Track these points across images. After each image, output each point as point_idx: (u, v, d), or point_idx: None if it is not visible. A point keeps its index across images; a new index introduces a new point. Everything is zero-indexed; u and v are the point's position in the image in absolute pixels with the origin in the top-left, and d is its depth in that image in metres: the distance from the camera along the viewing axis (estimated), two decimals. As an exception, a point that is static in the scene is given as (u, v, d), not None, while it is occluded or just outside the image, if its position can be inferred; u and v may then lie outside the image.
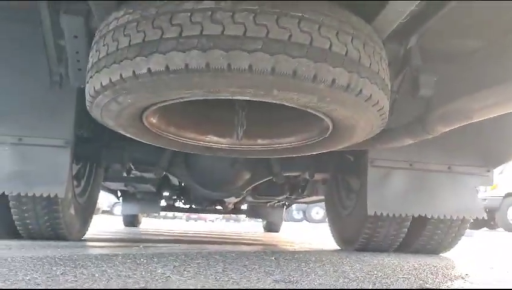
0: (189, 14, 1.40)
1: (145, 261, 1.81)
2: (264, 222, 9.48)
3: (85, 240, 3.16)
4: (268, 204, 6.95)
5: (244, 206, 7.62)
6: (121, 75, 1.48)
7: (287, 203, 6.96)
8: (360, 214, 3.03)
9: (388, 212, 2.61)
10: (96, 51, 1.61)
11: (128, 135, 2.06)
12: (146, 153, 3.19)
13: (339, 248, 3.52)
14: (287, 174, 3.34)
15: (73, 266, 1.59)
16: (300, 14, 1.42)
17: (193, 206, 7.23)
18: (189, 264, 1.75)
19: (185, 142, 2.18)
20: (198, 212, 9.79)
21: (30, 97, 2.41)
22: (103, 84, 1.55)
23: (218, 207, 7.17)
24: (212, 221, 20.04)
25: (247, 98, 1.57)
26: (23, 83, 2.41)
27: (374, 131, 1.82)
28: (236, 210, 7.68)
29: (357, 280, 1.55)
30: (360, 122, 1.72)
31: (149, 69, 1.42)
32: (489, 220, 11.83)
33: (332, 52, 1.44)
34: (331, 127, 1.83)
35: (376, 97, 1.58)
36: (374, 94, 1.57)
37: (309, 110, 1.69)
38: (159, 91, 1.52)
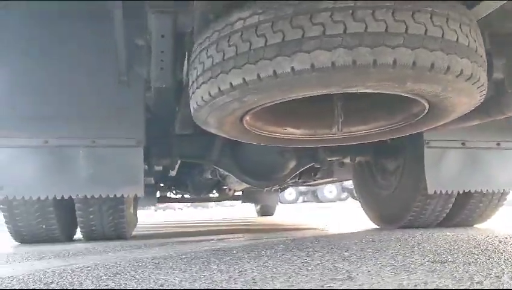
0: (329, 13, 1.46)
1: (254, 254, 1.87)
2: (258, 206, 9.59)
3: (136, 238, 3.17)
4: (265, 189, 7.06)
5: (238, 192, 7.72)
6: (258, 75, 1.52)
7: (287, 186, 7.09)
8: (406, 193, 3.19)
9: (447, 189, 2.76)
10: (218, 52, 1.64)
11: (227, 136, 2.11)
12: (194, 147, 3.22)
13: (376, 226, 3.67)
14: (330, 159, 3.44)
15: (206, 263, 1.63)
16: (431, 9, 1.50)
17: (185, 195, 7.25)
18: (290, 257, 1.82)
19: (288, 138, 2.25)
20: (193, 202, 9.83)
21: (100, 98, 2.40)
22: (233, 84, 1.59)
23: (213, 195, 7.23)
24: (181, 209, 20.00)
25: (369, 91, 1.65)
26: (92, 84, 2.39)
27: (471, 108, 1.93)
28: (232, 196, 7.75)
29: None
30: (462, 101, 1.82)
31: (292, 68, 1.47)
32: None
33: (459, 44, 1.54)
34: (427, 108, 1.92)
35: (482, 79, 1.69)
36: (481, 77, 1.68)
37: (411, 96, 1.78)
38: (293, 89, 1.57)
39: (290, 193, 19.52)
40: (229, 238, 2.74)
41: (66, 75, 2.36)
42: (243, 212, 11.16)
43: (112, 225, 2.78)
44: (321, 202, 19.77)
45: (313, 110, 2.33)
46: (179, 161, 3.36)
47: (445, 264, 1.39)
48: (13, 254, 2.17)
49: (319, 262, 1.51)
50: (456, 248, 1.85)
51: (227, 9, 1.65)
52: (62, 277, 1.38)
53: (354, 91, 1.63)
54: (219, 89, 1.64)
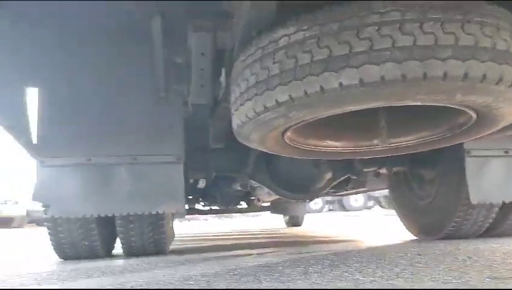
0: (376, 27, 1.45)
1: (301, 270, 1.85)
2: (287, 217, 9.55)
3: (174, 252, 3.18)
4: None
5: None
6: (305, 91, 1.52)
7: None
8: (445, 203, 3.13)
9: (491, 200, 2.69)
10: (262, 69, 1.65)
11: (267, 150, 2.12)
12: (229, 161, 3.24)
13: (414, 238, 3.60)
14: (366, 170, 3.40)
15: (257, 281, 1.62)
16: (481, 19, 1.48)
17: (213, 207, 7.28)
18: (340, 273, 1.79)
19: (329, 151, 2.24)
20: (222, 213, 9.86)
21: (140, 116, 2.44)
22: (279, 101, 1.59)
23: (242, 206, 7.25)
24: (206, 219, 20.07)
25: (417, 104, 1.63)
26: (132, 102, 2.43)
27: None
28: (260, 207, 7.73)
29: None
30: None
31: (340, 84, 1.46)
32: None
33: (510, 53, 1.50)
34: (474, 118, 1.88)
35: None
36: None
37: (458, 107, 1.75)
38: (340, 104, 1.57)
39: (315, 202, 19.44)
40: (269, 253, 2.72)
41: (108, 94, 2.41)
42: (268, 222, 11.12)
43: (152, 241, 2.80)
44: (347, 210, 19.59)
45: (354, 122, 2.31)
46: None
47: (506, 281, 1.35)
48: (60, 272, 2.20)
49: (372, 279, 1.49)
50: (509, 261, 1.79)
51: (270, 26, 1.67)
52: (118, 297, 1.39)
53: (401, 104, 1.61)
54: (264, 106, 1.65)
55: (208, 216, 21.42)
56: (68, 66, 2.38)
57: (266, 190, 4.22)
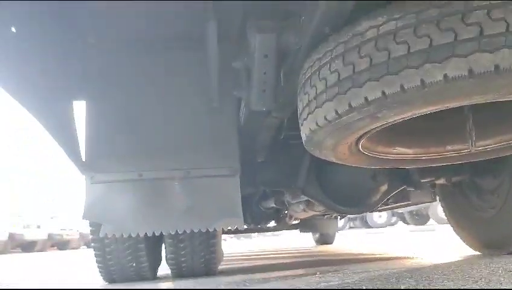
0: (486, 11, 1.28)
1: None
2: (317, 235, 9.29)
3: (224, 273, 3.00)
4: (325, 216, 6.80)
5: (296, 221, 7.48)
6: (401, 86, 1.35)
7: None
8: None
9: None
10: (346, 66, 1.49)
11: (333, 159, 1.95)
12: (278, 174, 3.06)
13: (475, 253, 3.35)
14: (424, 181, 3.19)
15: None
16: None
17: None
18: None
19: (399, 159, 2.06)
20: (252, 232, 9.64)
21: (193, 127, 2.29)
22: (369, 98, 1.42)
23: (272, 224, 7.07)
24: (225, 239, 19.82)
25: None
26: (184, 113, 2.29)
27: None
28: (290, 225, 7.52)
29: None
30: None
31: (445, 76, 1.29)
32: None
33: None
34: None
35: None
36: None
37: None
38: (442, 100, 1.39)
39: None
40: (330, 271, 2.52)
41: (159, 106, 2.28)
42: (291, 241, 10.83)
43: (202, 261, 2.63)
44: (370, 227, 19.15)
45: (427, 126, 2.13)
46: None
47: None
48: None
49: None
50: None
51: (350, 20, 1.51)
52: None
53: (510, 99, 1.43)
54: (350, 105, 1.48)
55: (227, 236, 21.30)
56: (117, 77, 2.26)
57: (302, 207, 4.03)
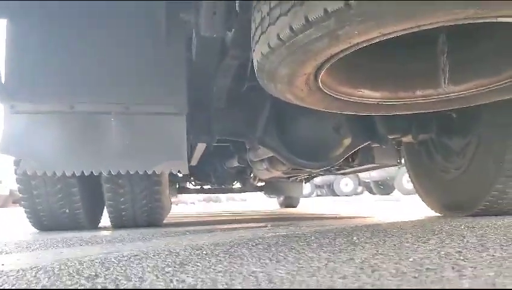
0: None
1: (327, 241, 1.46)
2: (281, 198, 9.24)
3: (171, 225, 2.77)
4: (290, 179, 6.69)
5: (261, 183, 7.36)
6: (368, -7, 1.10)
7: (314, 175, 6.71)
8: (482, 175, 2.75)
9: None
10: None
11: (291, 98, 1.72)
12: (235, 123, 2.81)
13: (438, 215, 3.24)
14: (391, 137, 3.00)
15: (295, 250, 1.23)
16: None
17: (205, 187, 6.98)
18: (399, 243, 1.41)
19: (363, 102, 1.84)
20: (215, 193, 9.47)
21: (135, 58, 2.00)
22: (329, 10, 1.17)
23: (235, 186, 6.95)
24: (193, 203, 19.69)
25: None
26: (126, 41, 1.99)
27: None
28: (255, 187, 7.40)
29: None
30: None
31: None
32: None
33: None
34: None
35: None
36: None
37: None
38: (412, 14, 1.15)
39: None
40: (284, 225, 2.33)
41: (97, 29, 1.97)
42: (259, 205, 10.74)
43: (145, 210, 2.39)
44: (337, 195, 19.39)
45: (395, 68, 1.91)
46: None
47: None
48: (34, 241, 1.78)
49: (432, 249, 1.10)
50: None
51: None
52: (107, 268, 0.99)
53: (493, 19, 1.20)
54: (306, 19, 1.23)
55: (196, 200, 21.24)
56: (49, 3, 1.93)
57: (265, 165, 3.83)
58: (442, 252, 1.07)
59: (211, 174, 5.81)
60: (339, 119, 2.74)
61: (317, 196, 20.66)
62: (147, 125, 1.99)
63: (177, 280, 0.81)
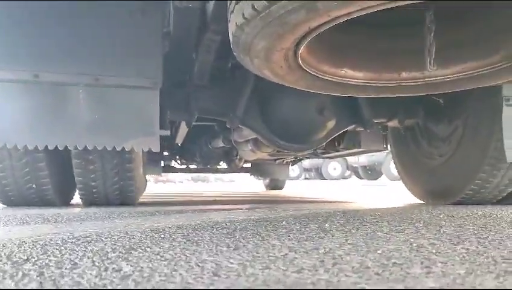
0: None
1: (315, 227, 1.38)
2: (267, 180, 9.18)
3: (145, 205, 2.69)
4: (277, 161, 6.63)
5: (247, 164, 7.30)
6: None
7: (300, 158, 6.66)
8: (466, 163, 2.70)
9: (529, 157, 2.26)
10: None
11: (270, 75, 1.62)
12: (216, 101, 2.70)
13: (421, 202, 3.19)
14: (376, 121, 2.92)
15: (259, 237, 1.15)
16: None
17: (191, 166, 6.91)
18: (373, 232, 1.34)
19: (346, 83, 1.75)
20: (200, 172, 9.39)
21: (107, 26, 1.88)
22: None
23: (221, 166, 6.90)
24: (181, 182, 19.63)
25: None
26: (97, 8, 1.86)
27: None
28: (241, 168, 7.33)
29: None
30: None
31: None
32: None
33: None
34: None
35: None
36: None
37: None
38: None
39: (292, 169, 19.25)
40: (261, 208, 2.25)
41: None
42: (246, 186, 10.70)
43: (117, 188, 2.29)
44: (325, 179, 19.45)
45: (381, 47, 1.82)
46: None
47: None
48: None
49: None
50: None
51: None
52: (45, 251, 0.90)
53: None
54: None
55: (184, 179, 21.20)
56: None
57: (250, 146, 3.75)
58: (415, 244, 1.00)
59: (196, 154, 5.72)
60: (322, 100, 2.64)
61: (305, 179, 20.70)
62: (117, 99, 1.88)
63: (113, 268, 0.72)
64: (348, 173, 20.18)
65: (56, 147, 1.79)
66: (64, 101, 1.83)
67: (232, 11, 1.37)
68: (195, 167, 6.76)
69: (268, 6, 1.20)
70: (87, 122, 1.84)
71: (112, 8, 1.89)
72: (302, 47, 1.47)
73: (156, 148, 1.91)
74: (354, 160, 17.75)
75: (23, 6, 1.80)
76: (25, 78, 1.78)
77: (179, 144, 4.67)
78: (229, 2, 1.41)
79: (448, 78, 1.79)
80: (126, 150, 1.85)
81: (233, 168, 6.92)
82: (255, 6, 1.23)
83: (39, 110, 1.82)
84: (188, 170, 7.63)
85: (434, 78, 1.81)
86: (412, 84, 1.84)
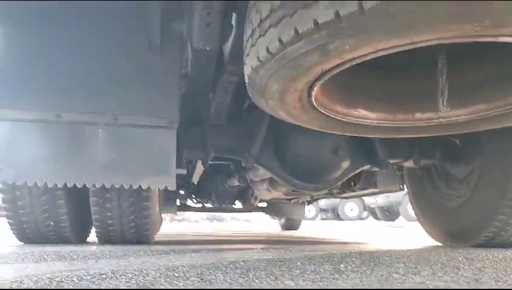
0: None
1: (330, 268, 1.37)
2: (283, 220, 9.09)
3: (160, 243, 2.68)
4: (292, 201, 6.58)
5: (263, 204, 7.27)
6: (360, 6, 1.04)
7: (316, 198, 6.61)
8: (484, 204, 2.65)
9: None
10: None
11: (284, 115, 1.65)
12: (231, 140, 2.73)
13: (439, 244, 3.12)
14: (392, 161, 2.91)
15: (273, 277, 1.14)
16: None
17: (206, 205, 6.91)
18: (385, 274, 1.32)
19: (360, 123, 1.77)
20: (216, 211, 9.35)
21: (126, 66, 1.95)
22: (319, 22, 1.11)
23: (237, 205, 6.89)
24: (197, 221, 19.52)
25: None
26: (117, 48, 1.94)
27: None
28: (256, 207, 7.29)
29: None
30: None
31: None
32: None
33: None
34: None
35: None
36: None
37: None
38: (406, 28, 1.08)
39: (309, 209, 19.06)
40: (275, 248, 2.23)
41: (87, 37, 1.92)
42: (261, 226, 10.59)
43: (133, 226, 2.31)
44: (341, 220, 19.16)
45: (394, 88, 1.84)
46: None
47: None
48: (8, 255, 1.71)
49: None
50: None
51: None
52: (61, 288, 0.91)
53: (494, 39, 1.13)
54: (296, 31, 1.17)
55: (200, 218, 21.12)
56: (38, 3, 1.89)
57: (265, 186, 3.75)
58: (431, 287, 0.98)
59: (212, 193, 5.73)
60: (337, 140, 2.66)
61: (322, 219, 20.42)
62: (135, 138, 1.93)
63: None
64: (365, 213, 19.88)
65: (75, 184, 1.83)
66: (83, 139, 1.88)
67: (248, 54, 1.42)
68: (210, 206, 6.76)
69: (283, 49, 1.24)
70: (105, 161, 1.88)
71: (131, 49, 1.96)
72: (316, 88, 1.50)
73: (172, 187, 1.93)
74: (371, 201, 17.49)
75: (48, 46, 1.89)
76: (47, 118, 1.84)
77: (195, 183, 4.70)
78: (244, 44, 1.46)
79: (463, 119, 1.80)
80: (143, 188, 1.88)
81: (248, 208, 6.89)
82: (270, 49, 1.27)
83: (59, 148, 1.87)
84: (203, 209, 7.61)
85: (448, 119, 1.81)
86: (427, 125, 1.85)
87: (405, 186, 3.71)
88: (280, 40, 1.22)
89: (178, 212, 9.58)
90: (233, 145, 2.75)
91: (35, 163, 1.82)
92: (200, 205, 6.91)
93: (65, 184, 1.82)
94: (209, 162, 2.79)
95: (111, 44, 1.92)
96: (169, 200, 6.49)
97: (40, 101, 1.85)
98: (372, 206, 18.06)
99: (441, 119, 1.82)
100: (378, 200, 16.58)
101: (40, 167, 1.83)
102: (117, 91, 1.92)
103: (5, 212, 2.22)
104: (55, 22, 1.90)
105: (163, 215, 4.09)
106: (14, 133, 1.82)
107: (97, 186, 1.84)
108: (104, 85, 1.91)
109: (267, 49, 1.27)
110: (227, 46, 1.88)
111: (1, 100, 1.81)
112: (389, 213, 17.45)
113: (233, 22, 1.76)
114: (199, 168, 3.20)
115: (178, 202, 6.65)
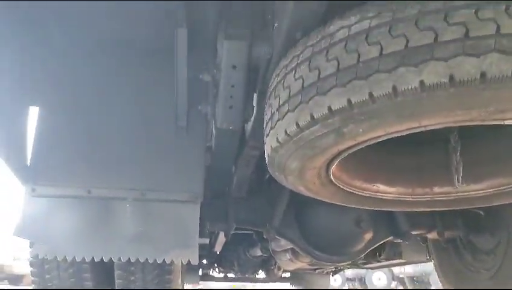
0: (473, 10, 1.07)
1: None
2: (307, 291, 8.84)
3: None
4: (317, 271, 6.43)
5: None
6: (370, 94, 1.12)
7: (341, 268, 6.46)
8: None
9: None
10: (312, 70, 1.28)
11: (303, 190, 1.71)
12: (253, 212, 2.79)
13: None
14: (414, 233, 2.89)
15: None
16: None
17: (229, 275, 6.82)
18: None
19: (379, 198, 1.82)
20: (238, 281, 9.16)
21: (154, 145, 2.06)
22: (333, 108, 1.19)
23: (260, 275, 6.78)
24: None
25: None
26: (146, 128, 2.07)
27: None
28: (280, 278, 7.15)
29: None
30: None
31: (421, 82, 1.07)
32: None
33: None
34: None
35: None
36: None
37: None
38: (418, 114, 1.16)
39: (334, 278, 18.46)
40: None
41: (116, 117, 2.06)
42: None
43: (155, 299, 2.33)
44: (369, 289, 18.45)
45: (412, 163, 1.89)
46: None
47: None
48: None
49: None
50: None
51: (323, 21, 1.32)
52: None
53: (500, 122, 1.19)
54: (312, 116, 1.25)
55: (222, 288, 20.56)
56: (73, 84, 2.07)
57: (288, 256, 3.74)
58: None
59: (235, 262, 5.69)
60: (359, 212, 2.68)
61: (349, 289, 19.70)
62: (160, 212, 2.00)
63: None
64: (393, 283, 19.11)
65: (101, 258, 1.89)
66: (111, 214, 1.97)
67: (268, 135, 1.51)
68: (233, 275, 6.66)
69: (300, 132, 1.32)
70: (131, 235, 1.95)
71: (159, 128, 2.09)
72: (334, 165, 1.57)
73: (194, 261, 1.97)
74: (400, 270, 16.88)
75: (80, 124, 2.03)
76: (79, 194, 1.95)
77: (217, 252, 4.70)
78: (265, 125, 1.56)
79: (481, 193, 1.82)
80: (166, 262, 1.93)
81: (272, 278, 6.78)
82: (288, 132, 1.36)
83: (88, 223, 1.95)
84: (225, 279, 7.49)
85: (467, 193, 1.84)
86: (445, 199, 1.88)
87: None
88: (297, 124, 1.31)
89: (200, 282, 9.42)
90: (254, 217, 2.80)
91: (66, 238, 1.91)
92: (222, 275, 6.84)
93: (92, 258, 1.88)
94: (232, 232, 2.83)
95: (140, 124, 2.05)
96: (192, 270, 6.47)
97: (74, 177, 1.97)
98: (401, 275, 17.40)
99: (459, 194, 1.85)
100: (407, 269, 16.00)
101: (70, 241, 1.91)
102: (146, 168, 2.03)
103: (33, 286, 2.28)
104: (89, 104, 2.06)
105: (185, 285, 4.07)
106: (48, 209, 1.92)
107: (122, 260, 1.90)
108: (134, 162, 2.03)
109: (285, 131, 1.36)
110: (249, 125, 1.99)
111: (40, 177, 1.93)
112: (419, 283, 16.76)
113: (254, 102, 1.88)
114: (221, 238, 3.23)
115: (200, 272, 6.60)
